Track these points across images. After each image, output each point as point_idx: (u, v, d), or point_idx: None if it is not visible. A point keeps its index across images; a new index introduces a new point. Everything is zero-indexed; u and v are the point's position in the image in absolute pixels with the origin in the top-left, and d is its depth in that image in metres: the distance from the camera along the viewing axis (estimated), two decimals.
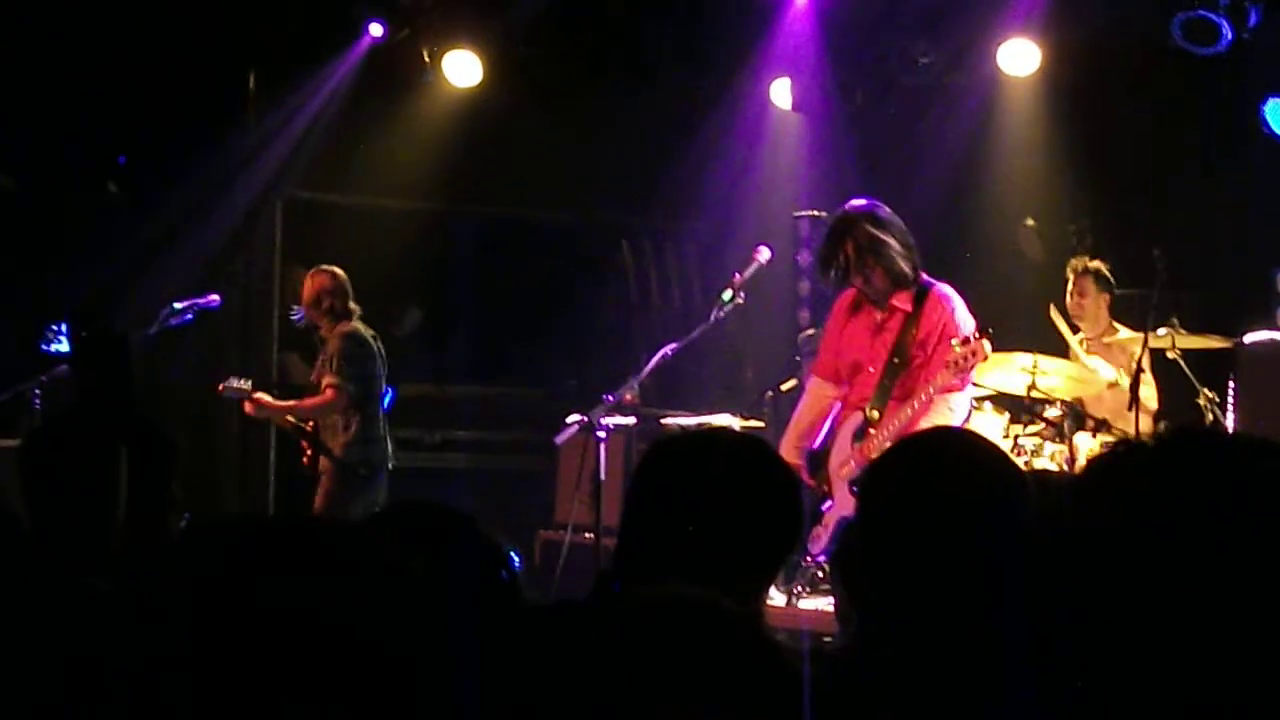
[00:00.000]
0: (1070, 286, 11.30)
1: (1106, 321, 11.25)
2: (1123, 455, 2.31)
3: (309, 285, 11.32)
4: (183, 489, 5.08)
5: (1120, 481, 2.24)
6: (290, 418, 11.32)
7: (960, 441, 3.64)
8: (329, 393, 11.07)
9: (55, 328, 10.83)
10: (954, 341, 8.39)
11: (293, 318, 11.55)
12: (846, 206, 8.83)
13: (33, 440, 5.10)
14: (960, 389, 8.56)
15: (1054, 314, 11.00)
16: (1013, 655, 3.01)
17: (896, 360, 8.64)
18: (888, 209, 8.75)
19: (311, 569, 2.05)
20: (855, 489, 8.37)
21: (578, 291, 14.48)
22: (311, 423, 11.21)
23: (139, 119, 12.77)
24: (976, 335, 8.37)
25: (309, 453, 11.20)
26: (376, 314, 11.77)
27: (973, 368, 8.47)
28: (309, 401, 11.26)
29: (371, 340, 11.28)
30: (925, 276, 8.76)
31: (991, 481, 3.27)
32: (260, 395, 11.27)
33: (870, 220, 8.63)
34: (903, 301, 8.69)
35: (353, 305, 11.28)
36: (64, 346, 10.78)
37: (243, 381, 11.27)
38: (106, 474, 4.70)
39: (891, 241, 8.60)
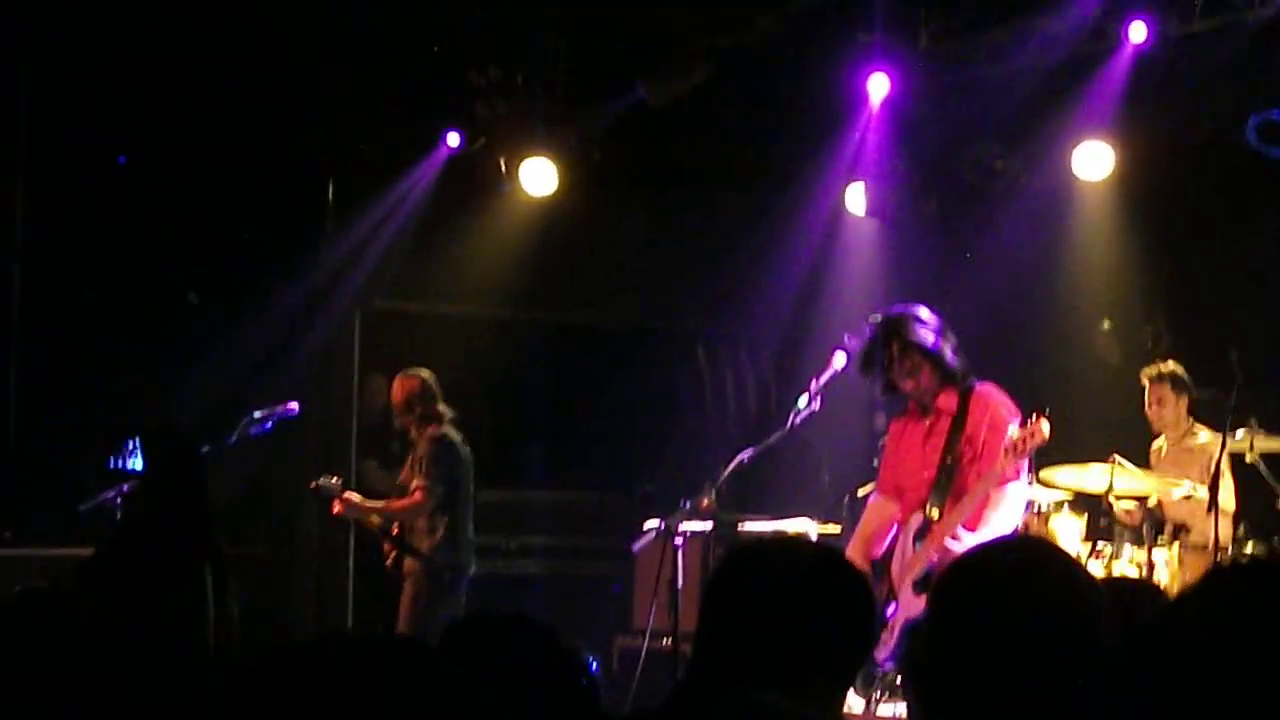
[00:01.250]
0: (1147, 395, 11.24)
1: (1186, 424, 11.17)
2: (1231, 575, 2.30)
3: (399, 389, 11.44)
4: (238, 599, 5.11)
5: (1227, 600, 2.24)
6: (376, 518, 11.37)
7: (1033, 549, 3.64)
8: (417, 495, 11.15)
9: (132, 443, 10.90)
10: (1011, 426, 8.42)
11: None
12: (890, 308, 9.00)
13: (114, 550, 5.13)
14: (1016, 478, 8.58)
15: (1118, 459, 10.77)
16: None
17: (949, 460, 8.71)
18: (925, 310, 8.87)
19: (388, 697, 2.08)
20: (919, 589, 8.39)
21: (653, 397, 14.51)
22: (397, 525, 11.25)
23: (219, 228, 12.91)
24: (1034, 418, 8.39)
25: (392, 555, 11.24)
26: (457, 419, 11.82)
27: (1031, 450, 8.47)
28: (397, 503, 11.33)
29: (460, 444, 11.35)
30: (970, 377, 8.83)
31: (1064, 589, 3.26)
32: (349, 494, 11.35)
33: (914, 320, 8.79)
34: (948, 403, 8.78)
35: (442, 408, 11.38)
36: (139, 463, 10.84)
37: (333, 480, 11.33)
38: (194, 584, 4.75)
39: (935, 342, 8.71)
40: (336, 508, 11.33)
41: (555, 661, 3.51)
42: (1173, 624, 2.31)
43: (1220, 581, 2.32)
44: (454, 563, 11.17)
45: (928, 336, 8.73)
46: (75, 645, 3.01)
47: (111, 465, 10.33)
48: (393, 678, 2.12)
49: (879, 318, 9.00)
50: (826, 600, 3.68)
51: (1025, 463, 8.63)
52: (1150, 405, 11.22)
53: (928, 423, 8.88)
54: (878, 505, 9.16)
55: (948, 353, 8.75)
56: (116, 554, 5.00)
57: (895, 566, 8.81)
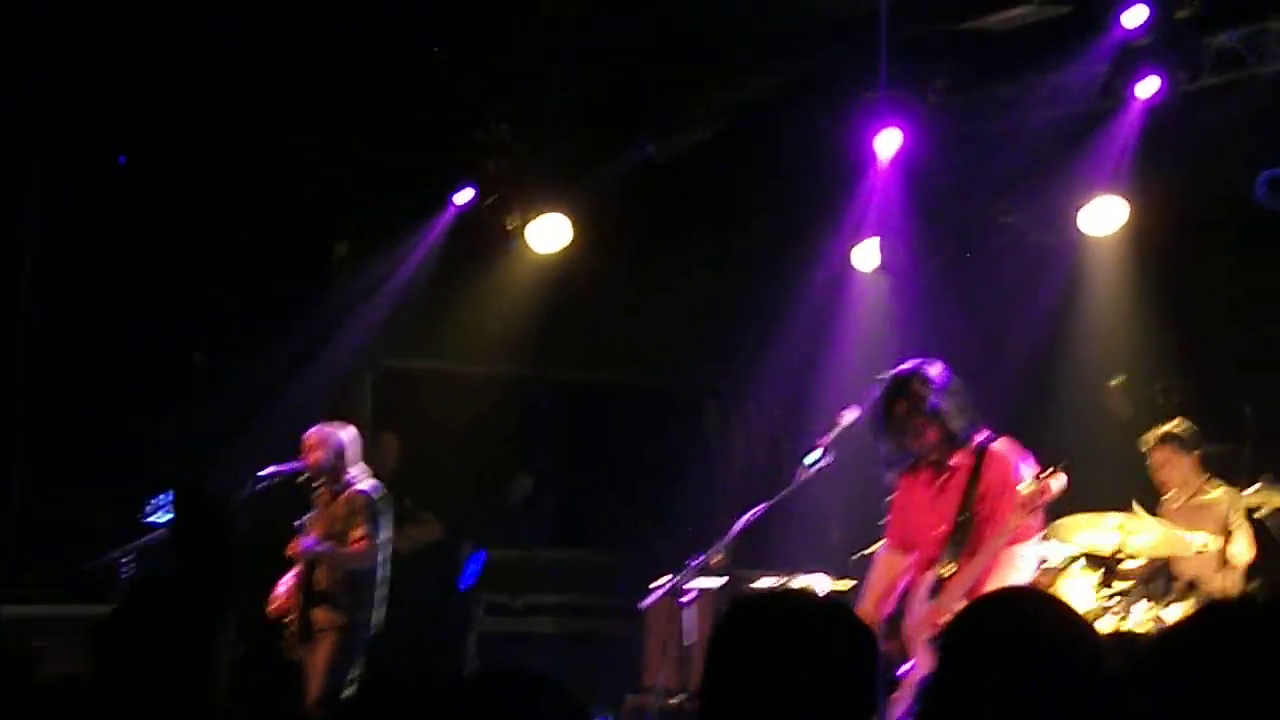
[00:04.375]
0: (1150, 461, 11.19)
1: (1198, 481, 11.10)
2: (1206, 620, 2.29)
3: (323, 441, 11.37)
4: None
5: (1205, 645, 2.23)
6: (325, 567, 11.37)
7: (1035, 602, 3.63)
8: (363, 544, 11.12)
9: (157, 499, 10.91)
10: (1022, 485, 8.36)
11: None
12: (900, 366, 8.87)
13: (131, 607, 5.10)
14: (1029, 537, 8.51)
15: (1136, 507, 10.76)
16: None
17: (963, 517, 8.63)
18: (940, 367, 8.78)
19: None
20: (935, 646, 8.32)
21: (663, 453, 14.50)
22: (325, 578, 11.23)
23: (228, 286, 12.93)
24: (1046, 474, 8.34)
25: (299, 607, 11.23)
26: (462, 477, 11.81)
27: (1042, 506, 8.42)
28: (345, 551, 11.25)
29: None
30: (984, 433, 8.76)
31: (1067, 642, 3.25)
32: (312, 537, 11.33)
33: (921, 380, 8.69)
34: (962, 460, 8.70)
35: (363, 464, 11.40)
36: (166, 517, 10.85)
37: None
38: (207, 644, 4.73)
39: (943, 401, 8.64)
40: (297, 546, 11.21)
41: (566, 718, 3.48)
42: (1160, 659, 2.29)
43: (1202, 621, 2.31)
44: (372, 621, 11.15)
45: (935, 397, 8.67)
46: None
47: (143, 520, 10.36)
48: None
49: (887, 377, 8.95)
50: (829, 653, 3.66)
51: (1037, 521, 8.57)
52: (1155, 471, 11.16)
53: (940, 479, 8.81)
54: (886, 559, 9.11)
55: (955, 415, 8.68)
56: (138, 611, 4.98)
57: (909, 623, 8.75)
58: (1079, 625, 3.38)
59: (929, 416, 8.66)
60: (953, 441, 8.71)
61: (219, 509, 8.35)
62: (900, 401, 8.72)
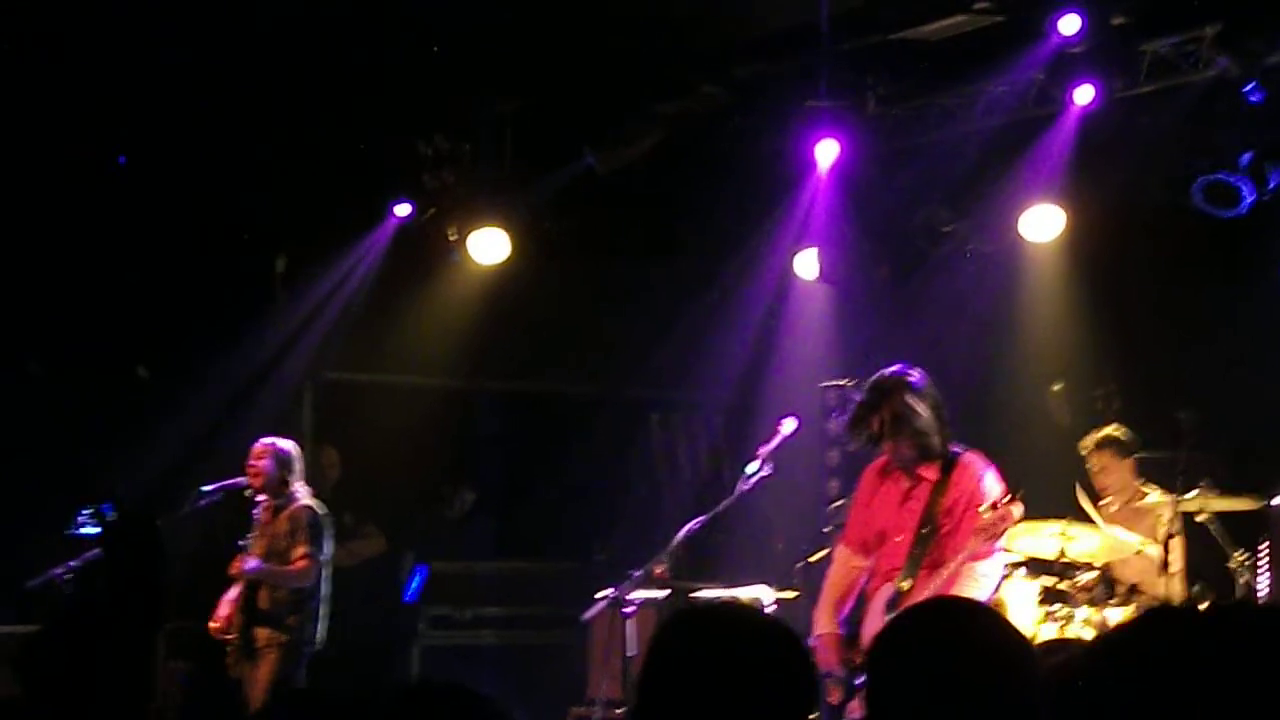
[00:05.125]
0: (1088, 465, 11.24)
1: (1134, 486, 11.17)
2: (1141, 628, 2.30)
3: (267, 456, 11.33)
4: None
5: (1140, 654, 2.24)
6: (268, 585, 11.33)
7: (964, 612, 3.63)
8: (305, 563, 11.10)
9: (86, 511, 10.85)
10: (982, 508, 8.33)
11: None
12: (885, 372, 8.79)
13: (59, 627, 5.06)
14: (989, 555, 8.48)
15: (1080, 495, 10.82)
16: None
17: (925, 530, 8.56)
18: (923, 375, 8.72)
19: None
20: None
21: (606, 465, 14.49)
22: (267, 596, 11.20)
23: (168, 301, 12.86)
24: (1005, 500, 8.31)
25: (240, 623, 11.20)
26: (405, 491, 11.77)
27: (1002, 533, 8.39)
28: (287, 570, 11.22)
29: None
30: (954, 445, 8.72)
31: (995, 653, 3.26)
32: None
33: (906, 389, 8.62)
34: (930, 471, 8.65)
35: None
36: (94, 530, 10.79)
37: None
38: (141, 665, 4.70)
39: (925, 413, 8.58)
40: (240, 566, 11.16)
41: None
42: (1099, 665, 2.30)
43: (1141, 629, 2.32)
44: (315, 637, 11.12)
45: (918, 409, 8.59)
46: None
47: (71, 533, 10.28)
48: None
49: (873, 380, 8.83)
50: (763, 666, 3.65)
51: (998, 543, 8.53)
52: (1094, 474, 11.21)
53: (907, 485, 8.73)
54: (844, 559, 9.00)
55: (933, 430, 8.62)
56: (67, 629, 4.94)
57: (866, 634, 8.69)
58: (1012, 635, 3.38)
59: (910, 431, 8.60)
60: (925, 455, 8.67)
61: (150, 526, 8.28)
62: (882, 411, 8.63)
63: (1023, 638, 3.45)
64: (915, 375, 8.71)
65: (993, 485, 8.54)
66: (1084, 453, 11.27)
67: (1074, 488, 10.87)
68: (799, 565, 11.79)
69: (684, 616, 3.96)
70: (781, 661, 3.68)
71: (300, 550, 11.08)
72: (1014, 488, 8.43)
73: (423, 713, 3.57)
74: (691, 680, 3.63)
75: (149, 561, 8.37)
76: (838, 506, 11.62)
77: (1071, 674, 3.18)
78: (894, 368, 8.78)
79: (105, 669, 4.71)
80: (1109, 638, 2.39)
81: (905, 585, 8.55)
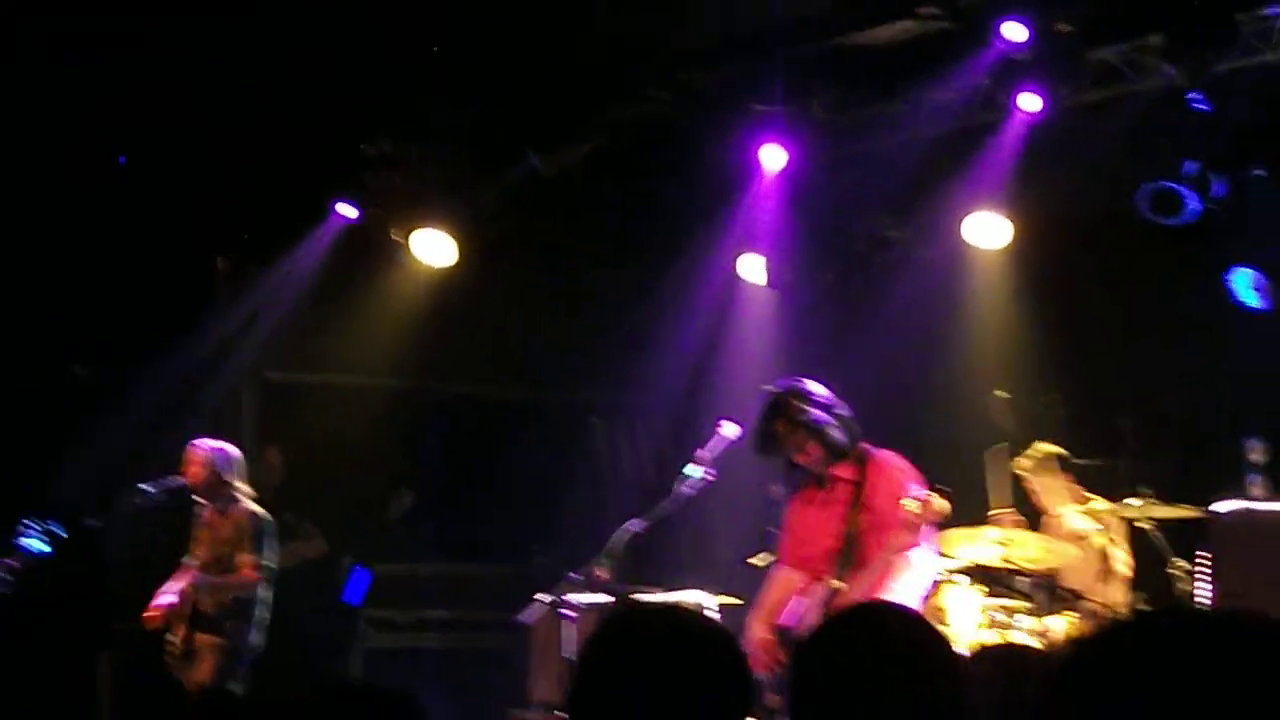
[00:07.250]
0: (1029, 487, 11.23)
1: (1076, 493, 11.17)
2: (1109, 639, 2.28)
3: (201, 459, 11.27)
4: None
5: (1112, 666, 2.22)
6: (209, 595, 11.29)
7: (886, 616, 3.63)
8: (250, 572, 11.08)
9: (34, 527, 10.75)
10: (905, 500, 8.39)
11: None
12: (774, 385, 8.99)
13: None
14: (917, 545, 8.53)
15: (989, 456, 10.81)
16: None
17: (850, 529, 8.68)
18: (812, 383, 8.88)
19: None
20: None
21: (549, 468, 14.45)
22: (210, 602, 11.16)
23: (108, 300, 12.78)
24: (929, 492, 8.38)
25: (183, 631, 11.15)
26: (349, 491, 11.72)
27: (928, 523, 8.45)
28: (232, 579, 11.18)
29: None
30: (865, 445, 8.80)
31: (917, 656, 3.26)
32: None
33: (796, 396, 8.81)
34: (845, 472, 8.82)
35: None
36: (38, 542, 10.70)
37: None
38: (86, 666, 4.67)
39: (820, 414, 8.71)
40: (186, 579, 11.13)
41: None
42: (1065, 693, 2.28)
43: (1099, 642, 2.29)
44: (254, 641, 11.09)
45: (813, 412, 8.74)
46: None
47: (14, 544, 10.19)
48: None
49: (764, 398, 8.99)
50: (699, 670, 3.62)
51: (928, 530, 8.58)
52: (1034, 495, 11.20)
53: (825, 493, 8.88)
54: (781, 577, 9.12)
55: (834, 428, 8.76)
56: (9, 632, 4.90)
57: (798, 634, 8.73)
58: (931, 636, 3.38)
59: (809, 431, 8.74)
60: (836, 453, 8.77)
61: (92, 531, 8.23)
62: (779, 420, 8.83)
63: (943, 639, 3.46)
64: (802, 382, 8.91)
65: (910, 478, 8.63)
66: (1021, 474, 11.25)
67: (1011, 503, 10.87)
68: (739, 566, 11.76)
69: (619, 620, 3.94)
70: (717, 665, 3.66)
71: (247, 559, 11.06)
72: (933, 483, 8.50)
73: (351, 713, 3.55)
74: (626, 684, 3.61)
75: (94, 566, 8.33)
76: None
77: (1066, 679, 3.16)
78: (781, 380, 8.99)
79: (51, 674, 4.68)
80: (1110, 637, 2.36)
81: (837, 583, 8.63)
